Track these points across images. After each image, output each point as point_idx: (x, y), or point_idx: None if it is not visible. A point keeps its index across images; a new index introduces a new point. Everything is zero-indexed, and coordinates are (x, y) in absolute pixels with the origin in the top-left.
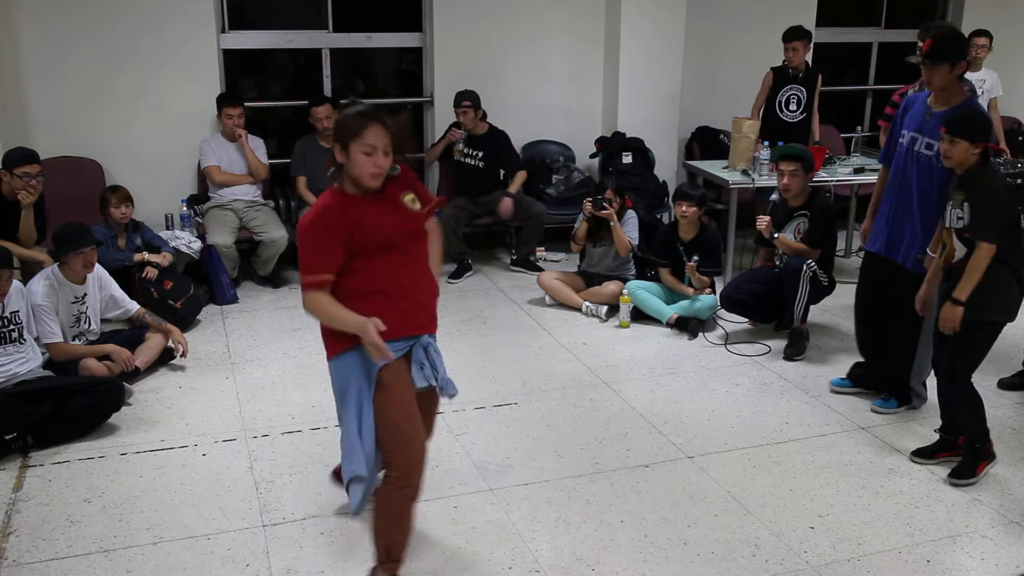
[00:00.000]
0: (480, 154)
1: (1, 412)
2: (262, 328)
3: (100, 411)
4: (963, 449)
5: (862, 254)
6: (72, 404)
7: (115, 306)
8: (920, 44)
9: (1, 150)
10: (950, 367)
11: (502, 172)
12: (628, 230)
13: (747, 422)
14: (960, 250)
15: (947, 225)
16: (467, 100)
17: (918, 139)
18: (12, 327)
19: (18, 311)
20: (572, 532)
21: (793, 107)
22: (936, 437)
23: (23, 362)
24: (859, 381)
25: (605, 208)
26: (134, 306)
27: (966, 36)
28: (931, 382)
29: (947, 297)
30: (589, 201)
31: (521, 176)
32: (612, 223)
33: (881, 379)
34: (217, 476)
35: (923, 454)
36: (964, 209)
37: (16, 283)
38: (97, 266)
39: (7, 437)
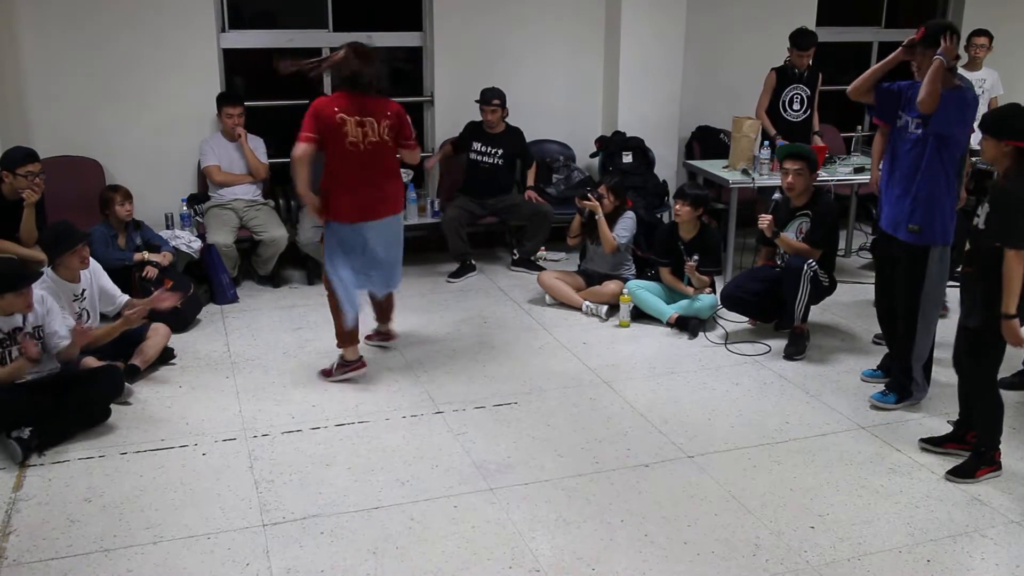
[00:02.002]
0: (500, 152)
1: (5, 405)
2: (262, 328)
3: (100, 396)
4: (971, 445)
5: (864, 253)
6: (72, 393)
7: (108, 299)
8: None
9: (1, 149)
10: (972, 370)
11: (514, 171)
12: (620, 229)
13: (747, 422)
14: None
15: (975, 224)
16: (497, 98)
17: (911, 121)
18: (36, 341)
19: (41, 326)
20: (572, 532)
21: (797, 106)
22: (950, 430)
23: (36, 374)
24: (889, 371)
25: (588, 199)
26: (124, 297)
27: (960, 32)
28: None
29: (964, 296)
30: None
31: (533, 171)
32: (597, 216)
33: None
34: (217, 476)
35: (933, 442)
36: (983, 209)
37: (38, 293)
38: (90, 260)
39: (22, 436)
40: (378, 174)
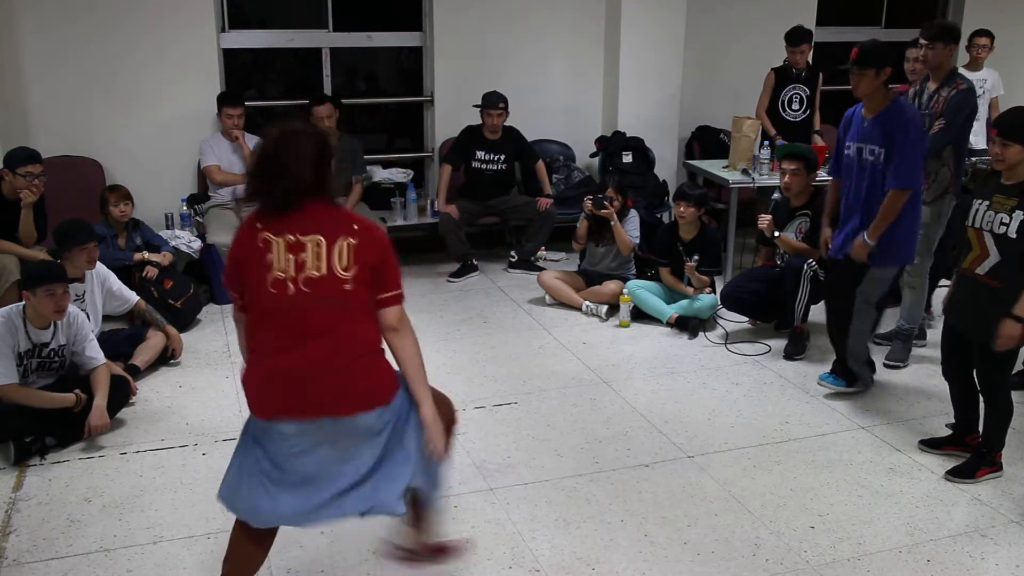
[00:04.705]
0: (502, 157)
1: (16, 415)
2: None
3: (113, 403)
4: (971, 447)
5: None
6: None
7: (115, 298)
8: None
9: (1, 150)
10: (990, 380)
11: (515, 172)
12: (630, 229)
13: (747, 422)
14: (994, 256)
15: (978, 226)
16: (502, 102)
17: (863, 148)
18: (56, 359)
19: (65, 345)
20: (572, 532)
21: (796, 106)
22: (947, 432)
23: (47, 385)
24: (840, 375)
25: (605, 208)
26: (134, 297)
27: (960, 30)
28: (927, 376)
29: (992, 312)
30: (590, 199)
31: (543, 169)
32: (612, 222)
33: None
34: (217, 476)
35: (932, 444)
36: (1013, 217)
37: (70, 309)
38: (97, 263)
39: (24, 440)
40: (321, 341)
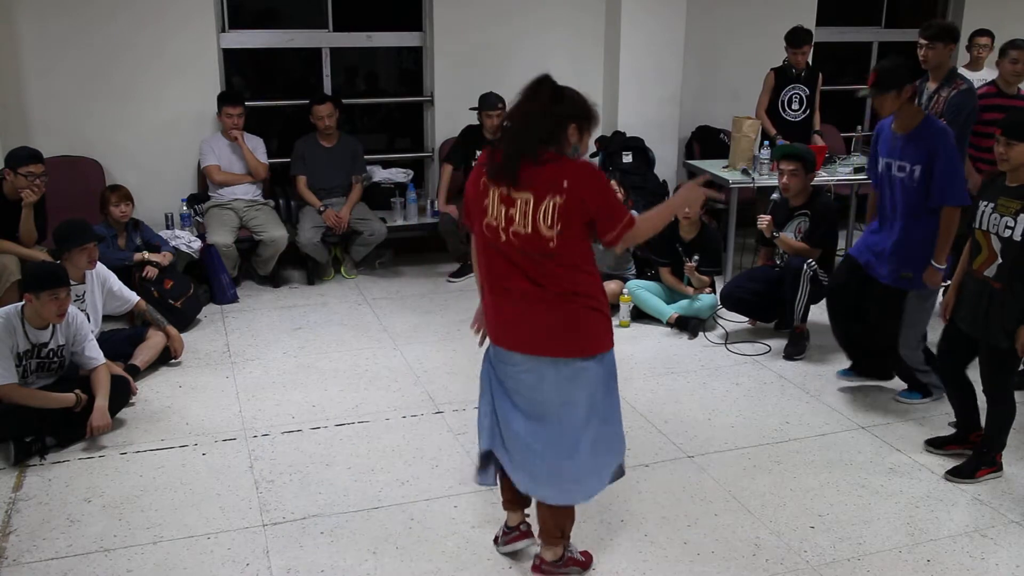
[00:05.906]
0: None
1: (16, 415)
2: (262, 327)
3: (114, 404)
4: (973, 446)
5: None
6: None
7: (115, 299)
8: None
9: (1, 150)
10: (994, 380)
11: None
12: None
13: (747, 422)
14: (1000, 259)
15: (985, 229)
16: (501, 103)
17: (892, 163)
18: (55, 359)
19: (65, 345)
20: (572, 531)
21: (796, 107)
22: (951, 431)
23: (47, 385)
24: (859, 371)
25: None
26: (134, 297)
27: (959, 31)
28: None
29: (999, 314)
30: None
31: None
32: None
33: (874, 368)
34: (217, 476)
35: (936, 444)
36: (1019, 221)
37: (71, 310)
38: (98, 263)
39: (24, 440)
40: (531, 286)
